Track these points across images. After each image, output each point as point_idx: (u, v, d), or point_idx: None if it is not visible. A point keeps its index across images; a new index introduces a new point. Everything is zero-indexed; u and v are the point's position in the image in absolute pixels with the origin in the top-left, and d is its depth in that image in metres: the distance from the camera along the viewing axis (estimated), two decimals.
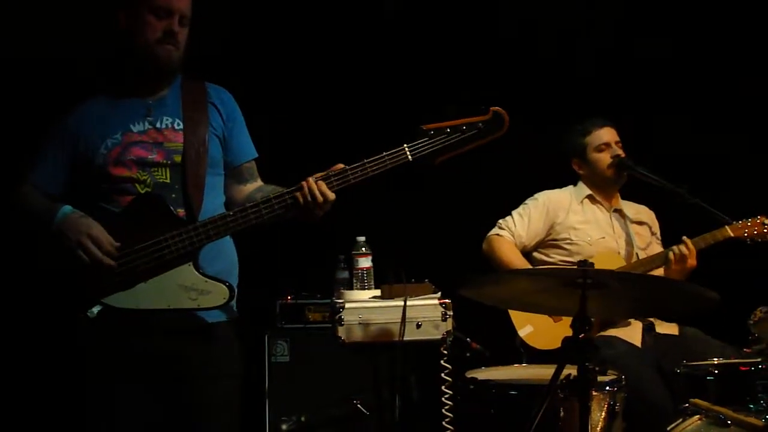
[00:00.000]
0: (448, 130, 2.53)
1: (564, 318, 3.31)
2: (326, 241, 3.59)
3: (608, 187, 3.75)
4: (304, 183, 2.50)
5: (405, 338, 2.94)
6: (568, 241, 3.67)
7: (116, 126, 2.58)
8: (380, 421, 3.20)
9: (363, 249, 3.18)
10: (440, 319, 2.97)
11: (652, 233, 3.81)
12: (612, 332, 3.46)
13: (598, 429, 2.67)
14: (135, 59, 2.59)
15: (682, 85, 4.26)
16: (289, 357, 3.79)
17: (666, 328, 3.50)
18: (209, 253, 2.54)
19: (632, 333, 3.45)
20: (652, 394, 3.14)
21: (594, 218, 3.73)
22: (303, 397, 3.67)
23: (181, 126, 2.61)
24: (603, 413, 2.69)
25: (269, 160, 2.82)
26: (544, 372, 2.86)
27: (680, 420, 2.69)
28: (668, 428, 2.69)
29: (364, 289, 3.16)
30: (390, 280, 3.07)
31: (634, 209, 3.82)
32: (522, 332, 3.51)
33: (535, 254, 3.75)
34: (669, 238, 3.72)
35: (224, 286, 2.50)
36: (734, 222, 3.51)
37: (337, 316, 2.97)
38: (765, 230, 3.50)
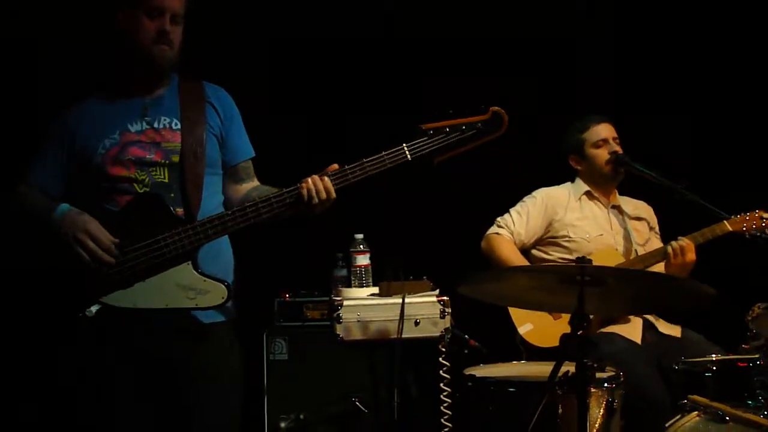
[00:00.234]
0: (447, 129, 2.53)
1: (564, 315, 3.31)
2: (324, 238, 3.59)
3: (606, 183, 3.75)
4: (309, 179, 2.50)
5: (403, 336, 2.95)
6: (567, 239, 3.67)
7: (114, 126, 2.58)
8: (379, 418, 3.21)
9: (361, 246, 3.19)
10: (438, 316, 2.98)
11: (651, 228, 3.81)
12: (612, 329, 3.46)
13: (597, 425, 2.68)
14: (131, 59, 2.59)
15: (680, 81, 4.26)
16: (288, 355, 3.78)
17: (668, 330, 3.50)
18: (207, 253, 2.54)
19: (632, 330, 3.45)
20: (651, 391, 3.14)
21: (592, 215, 3.73)
22: (302, 395, 3.67)
23: (179, 126, 2.61)
24: (601, 410, 2.69)
25: (266, 159, 2.81)
26: (542, 369, 2.86)
27: (678, 416, 2.70)
28: (666, 424, 2.70)
29: (363, 286, 3.17)
30: (388, 277, 3.08)
31: (632, 205, 3.83)
32: (522, 330, 3.51)
33: (534, 252, 3.75)
34: (667, 233, 3.73)
35: (222, 286, 2.50)
36: (732, 216, 3.52)
37: (335, 314, 2.98)
38: (763, 224, 3.50)
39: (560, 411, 2.62)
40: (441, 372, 3.00)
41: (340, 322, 2.97)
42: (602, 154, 3.69)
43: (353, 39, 4.18)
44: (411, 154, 2.52)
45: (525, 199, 3.77)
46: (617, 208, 3.78)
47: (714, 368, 2.82)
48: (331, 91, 4.22)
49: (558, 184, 3.84)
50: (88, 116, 2.60)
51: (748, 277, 3.53)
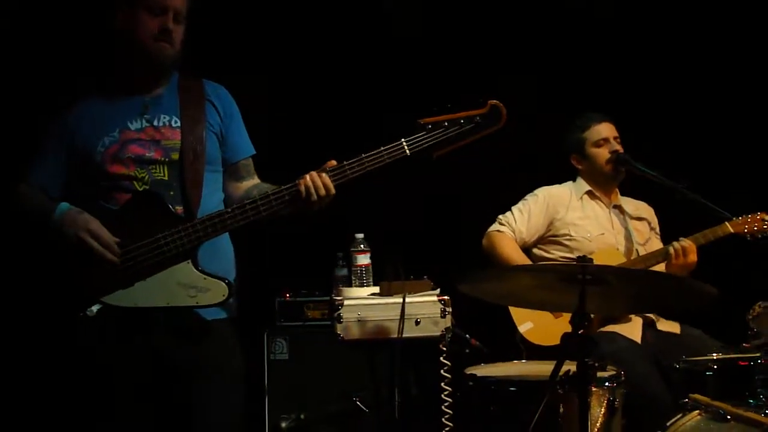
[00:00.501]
0: (446, 123, 2.52)
1: (564, 314, 3.31)
2: (325, 238, 3.59)
3: (607, 182, 3.75)
4: (307, 176, 2.50)
5: (404, 335, 2.94)
6: (568, 237, 3.67)
7: (113, 124, 2.58)
8: (379, 418, 3.21)
9: (361, 246, 3.18)
10: (439, 315, 2.98)
11: (651, 229, 3.81)
12: (612, 328, 3.46)
13: (598, 424, 2.68)
14: (131, 57, 2.59)
15: (681, 80, 4.25)
16: (288, 355, 3.78)
17: (668, 327, 3.50)
18: (207, 251, 2.54)
19: (632, 329, 3.45)
20: (652, 390, 3.14)
21: (593, 214, 3.73)
22: (302, 394, 3.67)
23: (179, 123, 2.61)
24: (602, 409, 2.69)
25: (265, 157, 2.81)
26: (543, 368, 2.86)
27: (680, 415, 2.69)
28: (667, 423, 2.69)
29: (363, 286, 3.16)
30: (389, 277, 3.07)
31: (633, 205, 3.82)
32: (522, 328, 3.50)
33: (535, 250, 3.75)
34: (668, 234, 3.72)
35: (223, 284, 2.50)
36: (734, 218, 3.51)
37: (336, 314, 2.97)
38: (765, 226, 3.50)
39: (561, 410, 2.62)
40: (442, 371, 2.99)
41: (340, 322, 2.97)
42: (603, 154, 3.69)
43: (353, 38, 4.19)
44: (410, 149, 2.52)
45: (527, 197, 3.77)
46: (618, 208, 3.78)
47: (715, 367, 2.82)
48: (331, 89, 4.22)
49: (560, 182, 3.84)
50: (88, 115, 2.60)
51: (749, 275, 3.53)
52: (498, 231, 3.70)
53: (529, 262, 3.65)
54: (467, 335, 3.17)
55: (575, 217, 3.69)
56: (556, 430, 2.62)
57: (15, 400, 3.55)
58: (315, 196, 2.48)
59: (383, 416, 3.17)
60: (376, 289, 3.13)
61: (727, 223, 3.51)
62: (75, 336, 2.51)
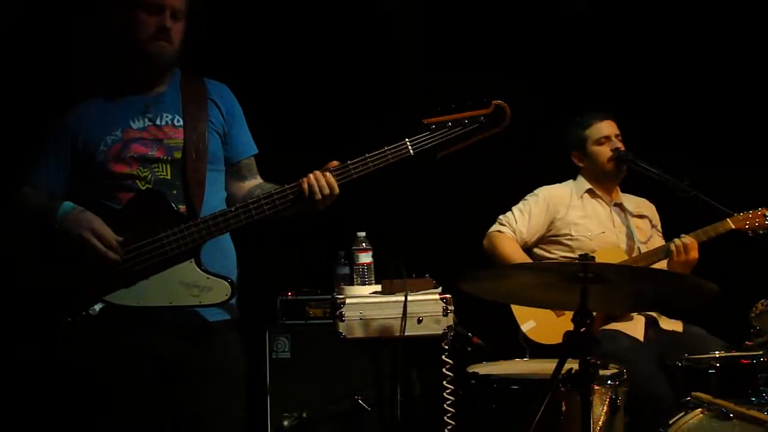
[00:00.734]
0: (450, 123, 2.52)
1: (567, 312, 3.30)
2: (327, 236, 3.59)
3: (608, 180, 3.75)
4: (311, 175, 2.50)
5: (406, 333, 2.95)
6: (569, 237, 3.67)
7: (116, 123, 2.57)
8: (382, 416, 3.21)
9: (363, 244, 3.18)
10: (441, 314, 2.98)
11: (653, 226, 3.80)
12: (615, 326, 3.46)
13: (600, 423, 2.68)
14: (131, 57, 2.58)
15: (683, 78, 4.25)
16: (290, 353, 3.78)
17: (670, 325, 3.50)
18: (209, 250, 2.53)
19: (635, 327, 3.45)
20: (654, 388, 3.14)
21: (594, 213, 3.72)
22: (304, 393, 3.67)
23: (181, 122, 2.60)
24: (605, 407, 2.69)
25: (268, 156, 2.81)
26: (545, 366, 2.86)
27: (682, 413, 2.69)
28: (670, 422, 2.69)
29: (365, 284, 3.16)
30: (391, 275, 3.07)
31: (634, 203, 3.82)
32: (525, 327, 3.51)
33: (536, 250, 3.75)
34: (670, 231, 3.72)
35: (226, 283, 2.50)
36: (735, 214, 3.51)
37: (338, 312, 2.97)
38: (766, 222, 3.49)
39: (563, 408, 2.62)
40: (444, 370, 2.99)
41: (342, 320, 2.97)
42: (604, 151, 3.69)
43: (353, 38, 4.19)
44: (413, 149, 2.52)
45: (527, 197, 3.77)
46: (620, 206, 3.77)
47: (717, 365, 2.82)
48: (331, 90, 4.22)
49: (561, 181, 3.84)
50: (90, 114, 2.60)
51: (752, 274, 3.52)
52: (498, 231, 3.70)
53: (531, 262, 3.65)
54: (469, 333, 3.17)
55: (576, 217, 3.69)
56: (558, 428, 2.62)
57: (16, 399, 3.55)
58: (319, 195, 2.48)
59: (385, 414, 3.17)
60: (378, 288, 3.13)
61: (728, 219, 3.51)
62: (77, 335, 2.51)
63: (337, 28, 4.23)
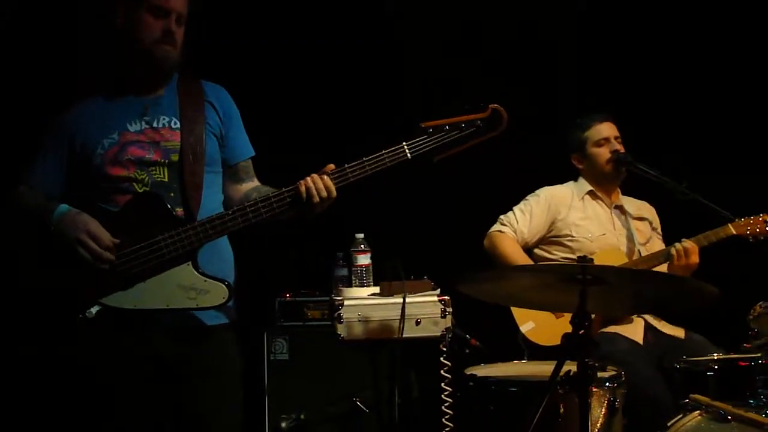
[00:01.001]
0: (447, 127, 2.52)
1: (566, 314, 3.30)
2: (325, 238, 3.58)
3: (607, 182, 3.74)
4: (308, 178, 2.49)
5: (404, 335, 2.94)
6: (569, 238, 3.67)
7: (113, 126, 2.57)
8: (380, 418, 3.20)
9: (362, 246, 3.17)
10: (440, 316, 2.97)
11: (653, 229, 3.80)
12: (613, 329, 3.46)
13: (599, 425, 2.67)
14: (132, 59, 2.58)
15: (683, 80, 4.25)
16: (289, 355, 3.78)
17: (672, 331, 3.50)
18: (207, 253, 2.53)
19: (634, 330, 3.45)
20: (652, 390, 3.14)
21: (595, 214, 3.72)
22: (302, 394, 3.67)
23: (178, 125, 2.60)
24: (603, 409, 2.69)
25: (265, 159, 2.81)
26: (543, 368, 2.86)
27: (680, 416, 2.69)
28: (668, 424, 2.69)
29: (363, 286, 3.16)
30: (389, 277, 3.07)
31: (635, 205, 3.82)
32: (524, 328, 3.51)
33: (537, 251, 3.75)
34: (670, 234, 3.72)
35: (223, 286, 2.49)
36: (737, 219, 3.51)
37: (336, 314, 2.96)
38: (767, 228, 3.49)
39: (562, 410, 2.62)
40: (442, 372, 2.99)
41: (341, 322, 2.96)
42: (604, 153, 3.68)
43: (353, 39, 4.18)
44: (411, 153, 2.52)
45: (528, 197, 3.77)
46: (620, 208, 3.77)
47: (716, 367, 2.82)
48: (329, 92, 4.21)
49: (561, 182, 3.83)
50: (87, 116, 2.60)
51: (750, 276, 3.52)
52: (499, 231, 3.70)
53: (531, 262, 3.65)
54: (467, 335, 3.16)
55: (577, 218, 3.69)
56: (556, 430, 2.62)
57: (15, 401, 3.55)
58: (317, 198, 2.48)
59: (383, 416, 3.16)
60: (377, 289, 3.13)
61: (729, 224, 3.51)
62: (74, 338, 2.51)
63: (337, 28, 4.22)
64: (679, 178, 3.55)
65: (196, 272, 2.48)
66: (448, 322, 2.97)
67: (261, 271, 3.72)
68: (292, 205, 2.50)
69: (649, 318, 3.51)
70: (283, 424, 3.53)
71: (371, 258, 3.20)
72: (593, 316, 2.33)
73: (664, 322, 3.53)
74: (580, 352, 2.28)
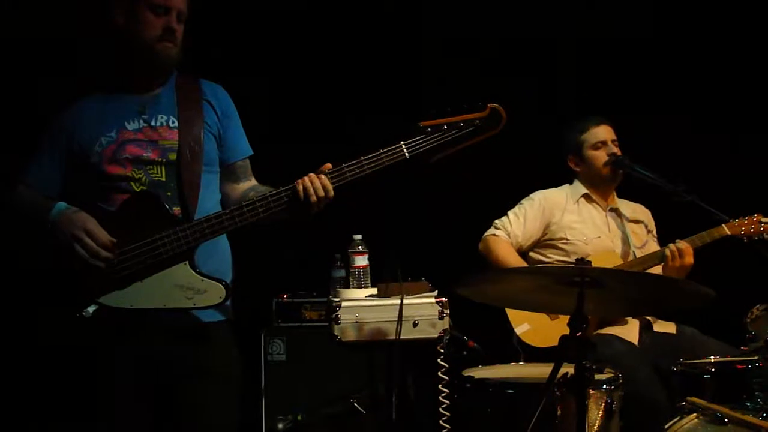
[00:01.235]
0: (445, 127, 2.52)
1: (561, 316, 3.31)
2: (323, 239, 3.58)
3: (604, 185, 3.75)
4: (305, 177, 2.49)
5: (402, 337, 2.93)
6: (564, 241, 3.67)
7: (111, 124, 2.57)
8: (377, 419, 3.20)
9: (359, 247, 3.17)
10: (437, 317, 2.97)
11: (648, 231, 3.81)
12: (609, 331, 3.46)
13: (596, 427, 2.67)
14: (133, 57, 2.58)
15: (679, 83, 4.25)
16: (286, 356, 3.78)
17: (663, 327, 3.51)
18: (204, 252, 2.53)
19: (629, 331, 3.45)
20: (650, 392, 3.14)
21: (590, 217, 3.73)
22: (299, 395, 3.67)
23: (176, 124, 2.60)
24: (600, 411, 2.69)
25: (263, 158, 2.81)
26: (540, 370, 2.85)
27: (677, 418, 2.69)
28: (665, 426, 2.69)
29: (361, 287, 3.15)
30: (387, 278, 3.06)
31: (630, 208, 3.82)
32: (519, 330, 3.51)
33: (531, 254, 3.75)
34: (665, 236, 3.72)
35: (220, 285, 2.49)
36: (731, 220, 3.51)
37: (333, 315, 2.96)
38: (762, 228, 3.50)
39: (559, 413, 2.61)
40: (439, 373, 2.98)
41: (338, 323, 2.96)
42: (601, 156, 3.69)
43: (353, 39, 4.18)
44: (409, 152, 2.52)
45: (523, 201, 3.77)
46: (615, 211, 3.78)
47: (713, 370, 2.82)
48: (330, 90, 4.21)
49: (557, 185, 3.84)
50: (85, 114, 2.59)
51: (747, 279, 3.52)
52: (494, 235, 3.71)
53: (525, 265, 3.65)
54: (465, 337, 3.16)
55: (571, 221, 3.69)
56: None
57: (13, 400, 3.54)
58: (314, 197, 2.48)
59: (380, 418, 3.16)
60: (374, 291, 3.12)
61: (723, 225, 3.51)
62: (71, 336, 2.50)
63: (337, 29, 4.22)
64: (676, 180, 3.55)
65: (193, 272, 2.48)
66: (445, 323, 2.96)
67: (259, 271, 3.72)
68: (289, 205, 2.50)
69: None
70: (280, 425, 3.53)
71: (369, 259, 3.20)
72: (589, 317, 2.33)
73: (656, 320, 3.53)
74: (578, 354, 2.28)
